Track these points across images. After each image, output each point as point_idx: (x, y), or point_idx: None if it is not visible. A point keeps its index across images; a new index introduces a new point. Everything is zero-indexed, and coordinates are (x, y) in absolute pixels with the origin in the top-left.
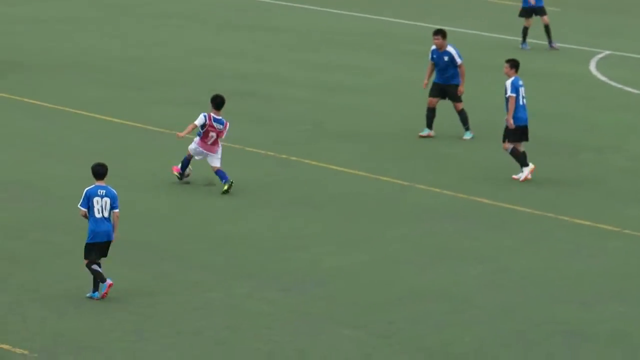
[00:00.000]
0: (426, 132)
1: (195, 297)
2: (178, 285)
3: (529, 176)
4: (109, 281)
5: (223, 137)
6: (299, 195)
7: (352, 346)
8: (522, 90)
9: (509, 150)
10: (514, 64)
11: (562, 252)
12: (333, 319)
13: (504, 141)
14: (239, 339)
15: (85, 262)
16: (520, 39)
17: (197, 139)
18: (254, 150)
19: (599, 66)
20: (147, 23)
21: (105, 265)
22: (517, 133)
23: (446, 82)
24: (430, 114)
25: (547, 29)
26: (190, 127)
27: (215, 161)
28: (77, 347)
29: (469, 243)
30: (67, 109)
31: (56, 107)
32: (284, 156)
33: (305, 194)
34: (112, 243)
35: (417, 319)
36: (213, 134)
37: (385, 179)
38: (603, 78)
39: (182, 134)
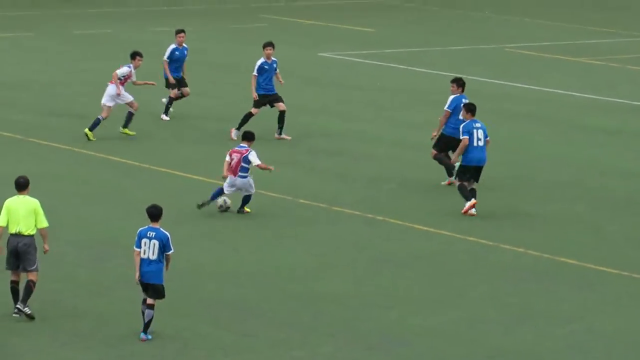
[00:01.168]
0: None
1: (279, 356)
2: (262, 343)
3: (471, 212)
4: (143, 336)
5: (258, 164)
6: (384, 254)
7: None
8: (477, 133)
9: (458, 185)
10: (468, 109)
11: None
12: None
13: (453, 174)
14: None
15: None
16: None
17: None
18: (340, 209)
19: None
20: (234, 81)
21: (190, 324)
22: (469, 172)
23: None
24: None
25: None
26: (225, 165)
27: (249, 190)
28: None
29: (555, 303)
30: (154, 167)
31: (143, 165)
32: (369, 215)
33: (390, 253)
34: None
35: None
36: (235, 156)
37: (470, 238)
38: None
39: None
